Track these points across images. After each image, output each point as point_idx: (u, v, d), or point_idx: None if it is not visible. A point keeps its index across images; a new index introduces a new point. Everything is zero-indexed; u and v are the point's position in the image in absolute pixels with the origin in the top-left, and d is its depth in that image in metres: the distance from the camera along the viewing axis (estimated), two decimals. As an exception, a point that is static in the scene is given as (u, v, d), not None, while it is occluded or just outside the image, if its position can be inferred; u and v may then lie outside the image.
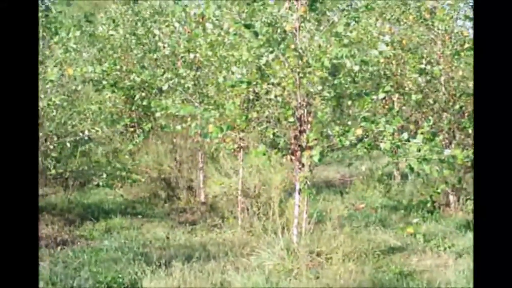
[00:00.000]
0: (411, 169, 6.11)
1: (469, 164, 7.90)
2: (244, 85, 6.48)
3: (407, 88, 9.35)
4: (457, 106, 9.04)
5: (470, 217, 8.35)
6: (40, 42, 8.95)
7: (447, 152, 6.14)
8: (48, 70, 8.36)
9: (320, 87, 6.64)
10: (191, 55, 8.54)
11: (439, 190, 8.47)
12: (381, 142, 6.34)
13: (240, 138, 8.05)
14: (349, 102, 7.00)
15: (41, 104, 8.79)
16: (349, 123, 6.87)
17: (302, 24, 6.59)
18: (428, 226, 8.12)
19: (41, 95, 8.78)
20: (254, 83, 6.83)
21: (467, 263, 6.59)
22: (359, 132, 6.31)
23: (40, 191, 9.74)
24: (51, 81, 8.35)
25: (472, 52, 8.18)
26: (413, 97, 8.50)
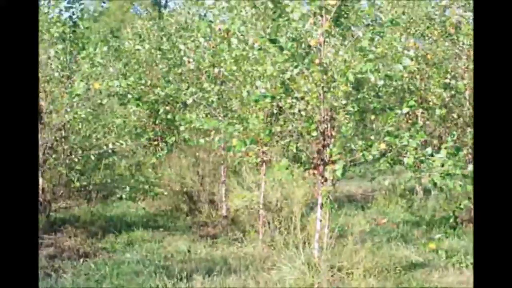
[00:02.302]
0: (434, 184, 6.08)
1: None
2: (268, 100, 6.51)
3: (431, 103, 9.33)
4: (481, 121, 8.96)
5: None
6: (67, 57, 9.10)
7: (470, 167, 6.11)
8: (75, 84, 8.48)
9: (344, 102, 6.64)
10: (216, 70, 8.61)
11: (462, 206, 8.40)
12: (404, 156, 6.33)
13: (263, 152, 8.08)
14: (372, 117, 7.00)
15: (67, 117, 8.92)
16: (372, 137, 6.86)
17: (327, 39, 6.62)
18: (450, 242, 8.05)
19: (67, 109, 8.92)
20: (278, 97, 6.86)
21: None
22: (383, 146, 6.30)
23: (64, 204, 9.86)
24: (78, 95, 8.47)
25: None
26: (437, 111, 8.48)
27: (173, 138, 9.39)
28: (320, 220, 6.86)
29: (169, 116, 9.70)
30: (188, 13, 11.51)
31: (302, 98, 6.79)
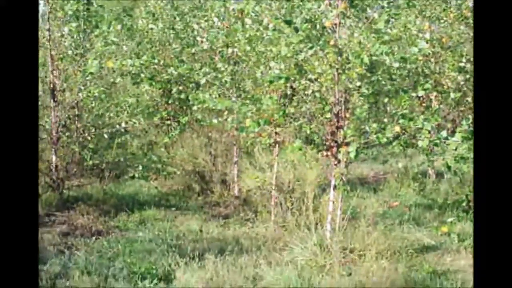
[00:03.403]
0: (448, 167, 6.07)
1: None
2: (282, 81, 6.48)
3: (445, 86, 9.27)
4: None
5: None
6: (81, 35, 9.10)
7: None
8: (88, 62, 8.49)
9: (358, 84, 6.61)
10: (229, 50, 8.57)
11: (475, 190, 8.36)
12: (418, 139, 6.31)
13: (276, 133, 8.06)
14: (386, 100, 6.97)
15: (80, 95, 8.94)
16: (386, 120, 6.83)
17: (342, 21, 6.57)
18: (462, 225, 8.03)
19: (81, 87, 8.94)
20: (292, 78, 6.83)
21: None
22: (397, 129, 6.28)
23: (76, 182, 9.90)
24: (91, 73, 8.48)
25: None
26: (452, 95, 8.42)
27: (186, 118, 9.37)
28: (333, 202, 6.87)
29: (182, 96, 9.70)
30: (202, -8, 11.46)
31: (316, 80, 6.77)
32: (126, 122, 9.32)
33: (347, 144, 6.55)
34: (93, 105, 9.46)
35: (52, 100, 8.88)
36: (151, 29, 10.93)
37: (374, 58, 6.25)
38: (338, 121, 6.71)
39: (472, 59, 9.09)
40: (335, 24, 6.54)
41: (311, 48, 6.31)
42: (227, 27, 8.67)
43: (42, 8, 9.30)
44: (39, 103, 8.87)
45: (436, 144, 6.21)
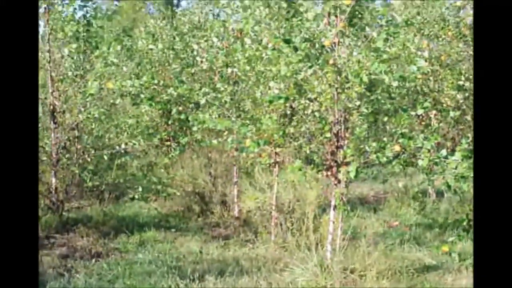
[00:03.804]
0: (448, 186, 6.04)
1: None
2: (282, 101, 6.48)
3: (444, 105, 9.27)
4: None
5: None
6: (81, 56, 9.12)
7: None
8: (88, 84, 8.50)
9: (357, 103, 6.62)
10: (229, 70, 8.59)
11: (475, 209, 8.32)
12: (418, 158, 6.29)
13: (276, 153, 8.05)
14: (385, 119, 6.97)
15: (80, 117, 8.94)
16: (385, 139, 6.82)
17: (341, 40, 6.59)
18: (463, 245, 7.97)
19: (81, 108, 8.94)
20: (292, 98, 6.83)
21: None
22: (397, 148, 6.26)
23: (76, 204, 9.89)
24: (91, 94, 8.49)
25: None
26: (451, 113, 8.41)
27: (186, 139, 9.35)
28: (333, 222, 6.84)
29: (181, 116, 9.71)
30: (201, 12, 11.52)
31: (316, 99, 6.77)
32: (126, 143, 9.32)
33: (347, 163, 6.53)
34: (93, 126, 9.48)
35: (52, 122, 8.88)
36: (151, 49, 10.96)
37: (373, 77, 6.25)
38: (337, 141, 6.70)
39: (471, 77, 9.11)
40: (334, 43, 6.56)
41: (310, 67, 6.32)
42: (226, 47, 8.69)
43: (42, 29, 9.35)
44: (40, 124, 8.88)
45: (436, 163, 6.18)
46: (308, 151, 6.99)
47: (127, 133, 9.68)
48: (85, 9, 9.06)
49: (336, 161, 6.70)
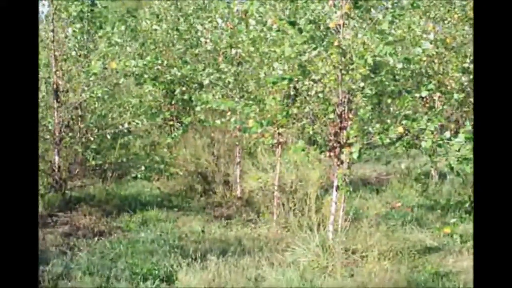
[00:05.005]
0: (451, 168, 6.06)
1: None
2: (285, 82, 6.47)
3: (449, 87, 9.25)
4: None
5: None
6: (85, 36, 9.12)
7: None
8: (92, 63, 8.50)
9: (361, 84, 6.61)
10: (233, 51, 8.58)
11: (477, 191, 8.33)
12: (421, 140, 6.29)
13: (279, 134, 8.05)
14: (389, 100, 6.97)
15: (83, 96, 8.95)
16: (389, 121, 6.82)
17: (346, 21, 6.57)
18: (465, 226, 8.01)
19: (84, 88, 8.95)
20: (296, 79, 6.83)
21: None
22: (401, 130, 6.27)
23: (79, 182, 9.92)
24: (94, 74, 8.49)
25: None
26: (455, 96, 8.38)
27: (189, 119, 9.35)
28: (335, 203, 6.86)
29: (185, 97, 9.70)
30: (206, -7, 11.47)
31: (320, 80, 6.76)
32: (129, 123, 9.32)
33: (350, 144, 6.54)
34: (96, 105, 9.50)
35: (55, 101, 8.89)
36: (155, 30, 10.95)
37: (377, 58, 6.24)
38: (341, 122, 6.70)
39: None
40: (339, 25, 6.54)
41: (315, 49, 6.31)
42: (231, 28, 8.66)
43: (46, 9, 9.33)
44: (43, 103, 8.90)
45: (439, 145, 6.20)
46: (311, 132, 6.99)
47: (130, 112, 9.69)
48: (89, -12, 9.05)
49: (339, 142, 6.70)
